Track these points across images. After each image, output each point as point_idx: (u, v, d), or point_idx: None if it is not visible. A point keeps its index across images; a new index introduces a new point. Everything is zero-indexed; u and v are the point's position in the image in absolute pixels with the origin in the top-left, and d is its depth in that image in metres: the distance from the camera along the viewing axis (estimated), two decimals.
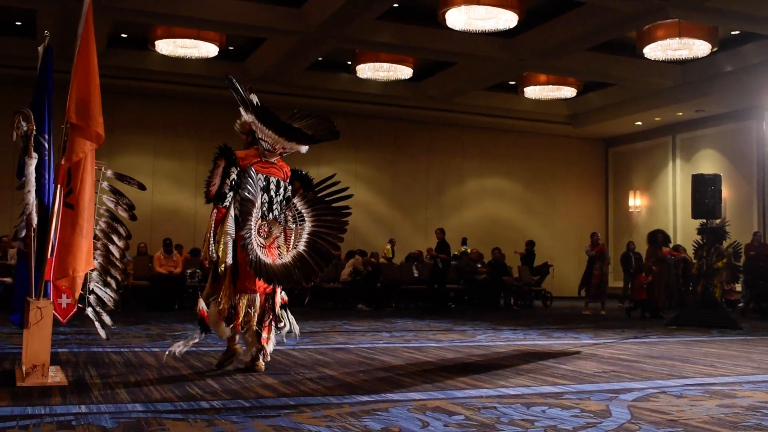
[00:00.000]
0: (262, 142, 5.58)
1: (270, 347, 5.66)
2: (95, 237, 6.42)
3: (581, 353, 7.23)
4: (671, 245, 13.51)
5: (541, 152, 22.62)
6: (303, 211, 5.59)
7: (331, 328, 9.69)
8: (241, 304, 5.48)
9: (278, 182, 5.61)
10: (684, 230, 20.22)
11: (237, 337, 5.60)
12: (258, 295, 5.56)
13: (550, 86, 18.24)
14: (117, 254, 6.49)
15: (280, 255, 5.47)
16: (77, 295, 5.56)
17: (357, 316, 12.21)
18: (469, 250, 17.48)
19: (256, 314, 5.54)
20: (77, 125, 5.17)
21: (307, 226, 5.55)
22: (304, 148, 5.75)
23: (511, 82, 18.87)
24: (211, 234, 5.36)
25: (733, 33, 15.27)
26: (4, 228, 15.28)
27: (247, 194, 5.29)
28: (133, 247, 14.01)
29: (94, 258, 6.04)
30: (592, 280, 15.04)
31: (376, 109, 20.08)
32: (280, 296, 5.78)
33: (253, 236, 5.28)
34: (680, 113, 19.65)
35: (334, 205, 5.60)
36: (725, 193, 14.67)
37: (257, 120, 5.55)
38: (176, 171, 19.10)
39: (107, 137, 5.68)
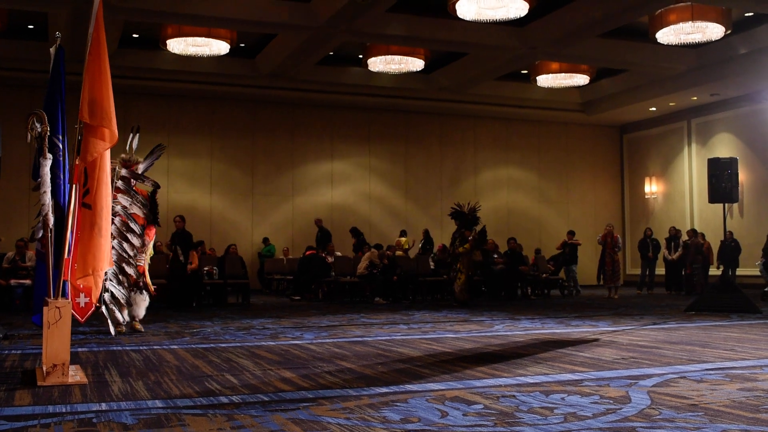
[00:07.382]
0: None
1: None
2: (110, 236, 6.46)
3: (600, 340, 7.21)
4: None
5: (555, 141, 22.52)
6: None
7: (348, 322, 9.70)
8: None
9: None
10: (701, 216, 20.09)
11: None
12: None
13: (563, 74, 18.15)
14: (131, 252, 6.51)
15: None
16: (98, 295, 5.61)
17: (374, 309, 12.22)
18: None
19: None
20: (91, 125, 5.20)
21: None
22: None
23: (523, 71, 18.79)
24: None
25: (746, 15, 15.12)
26: (22, 230, 15.40)
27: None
28: None
29: None
30: (606, 267, 15.65)
31: (388, 102, 20.06)
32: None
33: None
34: (695, 98, 19.49)
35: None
36: (742, 176, 14.56)
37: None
38: (191, 169, 19.17)
39: (120, 137, 5.71)
